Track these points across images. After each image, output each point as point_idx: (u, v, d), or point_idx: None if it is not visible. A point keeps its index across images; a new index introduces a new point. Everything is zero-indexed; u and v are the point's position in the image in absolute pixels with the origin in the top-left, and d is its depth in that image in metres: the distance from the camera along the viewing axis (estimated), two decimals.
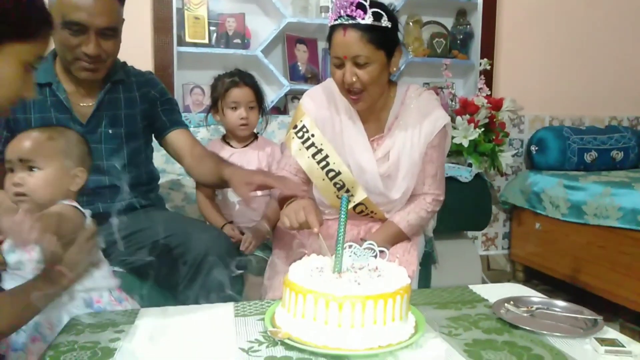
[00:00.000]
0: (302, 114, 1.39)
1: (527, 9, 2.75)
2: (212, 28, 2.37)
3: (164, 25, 2.25)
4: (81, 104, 1.34)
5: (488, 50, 2.66)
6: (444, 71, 2.43)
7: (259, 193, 1.53)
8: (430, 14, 2.70)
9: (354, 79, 1.23)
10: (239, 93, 1.55)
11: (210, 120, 1.71)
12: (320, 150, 1.35)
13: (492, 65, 2.58)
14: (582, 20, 2.84)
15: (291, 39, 2.50)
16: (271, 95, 2.38)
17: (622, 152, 2.66)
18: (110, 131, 1.37)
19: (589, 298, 2.31)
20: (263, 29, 2.47)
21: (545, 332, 0.87)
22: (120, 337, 0.85)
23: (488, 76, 2.55)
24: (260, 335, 0.87)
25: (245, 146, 1.65)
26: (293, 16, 2.40)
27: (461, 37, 2.69)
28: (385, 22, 1.21)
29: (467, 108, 2.29)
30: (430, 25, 2.72)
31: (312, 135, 1.36)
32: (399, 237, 1.36)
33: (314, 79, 2.52)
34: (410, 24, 2.66)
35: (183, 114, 2.09)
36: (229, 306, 1.00)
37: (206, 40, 2.34)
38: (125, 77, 1.40)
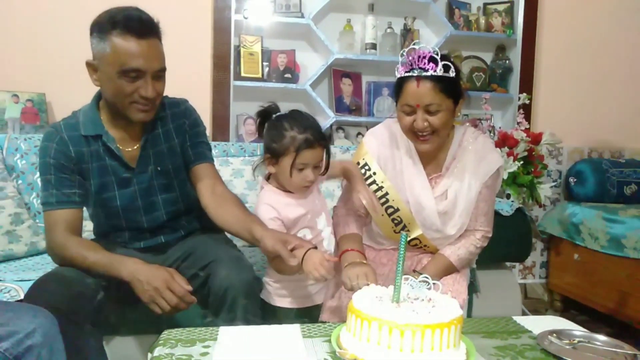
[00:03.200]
0: (364, 152, 1.49)
1: (565, 43, 2.83)
2: (265, 63, 2.56)
3: (222, 62, 2.45)
4: (128, 149, 1.40)
5: (527, 84, 2.75)
6: (484, 105, 2.53)
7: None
8: (470, 49, 2.82)
9: (426, 124, 1.34)
10: (312, 155, 1.30)
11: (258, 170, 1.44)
12: (380, 188, 1.45)
13: (530, 99, 2.66)
14: (619, 53, 2.90)
15: (337, 73, 2.66)
16: None
17: None
18: (158, 168, 1.42)
19: (629, 331, 2.32)
20: (311, 64, 2.65)
21: None
22: (209, 352, 0.99)
23: (527, 110, 2.64)
24: (328, 355, 0.99)
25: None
26: (340, 52, 2.57)
27: (500, 71, 2.79)
28: (452, 73, 1.33)
29: (506, 141, 2.37)
30: (470, 60, 2.84)
31: (374, 174, 1.45)
32: (449, 270, 1.45)
33: (358, 110, 2.67)
34: (451, 59, 2.77)
35: (237, 143, 2.29)
36: (296, 327, 1.12)
37: (260, 75, 2.53)
38: (161, 111, 1.43)
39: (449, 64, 1.32)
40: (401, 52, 1.37)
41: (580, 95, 2.88)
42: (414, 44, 1.36)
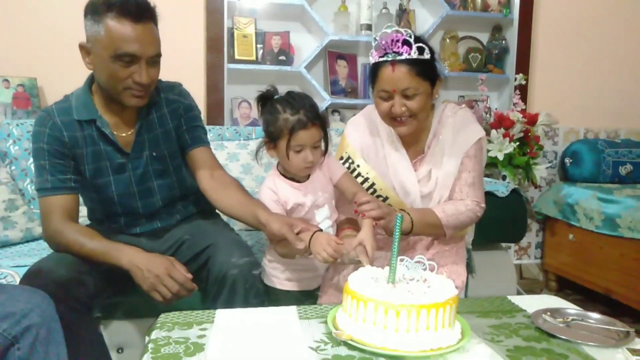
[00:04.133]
0: (346, 145, 1.48)
1: (561, 23, 2.81)
2: (259, 45, 2.53)
3: (215, 44, 2.42)
4: (123, 134, 1.38)
5: (523, 64, 2.73)
6: (480, 85, 2.52)
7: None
8: (466, 29, 2.80)
9: (403, 109, 1.33)
10: (307, 135, 1.28)
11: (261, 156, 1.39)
12: (366, 179, 1.44)
13: (527, 79, 2.65)
14: (616, 33, 2.88)
15: (332, 55, 2.63)
16: None
17: None
18: (154, 153, 1.41)
19: (622, 309, 2.36)
20: (306, 46, 2.62)
21: (580, 342, 0.97)
22: (205, 334, 1.00)
23: (523, 90, 2.63)
24: (324, 336, 1.00)
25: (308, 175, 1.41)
26: (335, 33, 2.54)
27: (496, 52, 2.77)
28: (427, 55, 1.31)
29: (502, 122, 2.37)
30: (466, 40, 2.81)
31: (358, 166, 1.45)
32: (433, 222, 1.37)
33: (354, 92, 2.65)
34: (447, 39, 2.75)
35: (232, 127, 2.28)
36: (293, 309, 1.13)
37: (254, 57, 2.50)
38: (156, 95, 1.41)
39: (424, 46, 1.30)
40: (374, 36, 1.35)
41: (576, 76, 2.87)
42: (386, 28, 1.32)
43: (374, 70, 1.35)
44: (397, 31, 1.31)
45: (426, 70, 1.32)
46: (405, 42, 1.29)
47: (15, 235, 1.75)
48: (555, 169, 2.89)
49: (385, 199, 1.44)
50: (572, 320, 1.07)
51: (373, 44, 1.35)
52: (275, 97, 1.34)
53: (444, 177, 1.42)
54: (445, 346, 0.92)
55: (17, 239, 1.76)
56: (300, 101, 1.31)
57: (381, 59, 1.32)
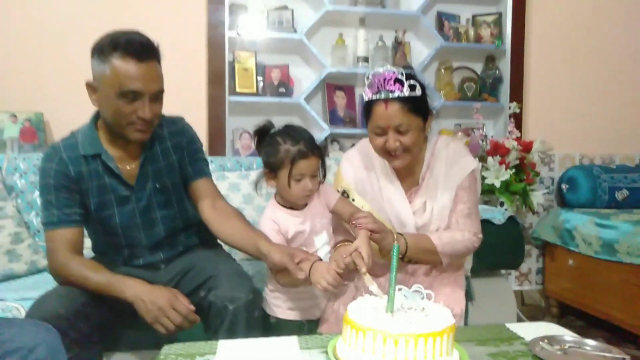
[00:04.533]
0: (342, 179, 1.52)
1: (553, 52, 2.89)
2: (259, 78, 2.60)
3: (217, 77, 2.49)
4: (127, 167, 1.42)
5: (517, 93, 2.80)
6: (475, 114, 2.58)
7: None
8: (460, 60, 2.88)
9: (397, 144, 1.37)
10: (307, 165, 1.33)
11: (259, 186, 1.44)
12: None
13: (521, 108, 2.71)
14: (608, 60, 2.95)
15: (330, 87, 2.71)
16: None
17: None
18: (157, 185, 1.45)
19: (624, 335, 2.35)
20: (305, 78, 2.69)
21: None
22: None
23: (518, 118, 2.69)
24: None
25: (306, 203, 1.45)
26: (332, 66, 2.62)
27: (490, 81, 2.84)
28: (418, 91, 1.35)
29: (498, 150, 2.42)
30: (461, 70, 2.89)
31: (353, 200, 1.48)
32: (428, 248, 1.40)
33: (352, 122, 2.71)
34: (442, 69, 2.83)
35: (234, 158, 2.33)
36: (294, 339, 1.15)
37: (254, 90, 2.57)
38: (159, 129, 1.45)
39: (415, 83, 1.34)
40: (366, 75, 1.39)
41: (569, 103, 2.93)
42: (379, 67, 1.37)
43: (368, 107, 1.39)
44: (390, 70, 1.35)
45: (418, 107, 1.36)
46: (398, 81, 1.33)
47: (20, 268, 1.78)
48: (553, 195, 2.93)
49: None
50: (569, 347, 1.08)
51: (366, 82, 1.40)
52: (273, 130, 1.40)
53: (439, 209, 1.45)
54: None
55: (22, 272, 1.78)
56: (299, 133, 1.37)
57: (374, 97, 1.37)
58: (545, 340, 1.10)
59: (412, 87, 1.34)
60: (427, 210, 1.46)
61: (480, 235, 1.47)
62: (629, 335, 2.31)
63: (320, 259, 1.32)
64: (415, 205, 1.47)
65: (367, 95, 1.38)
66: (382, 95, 1.35)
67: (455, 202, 1.45)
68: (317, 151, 1.37)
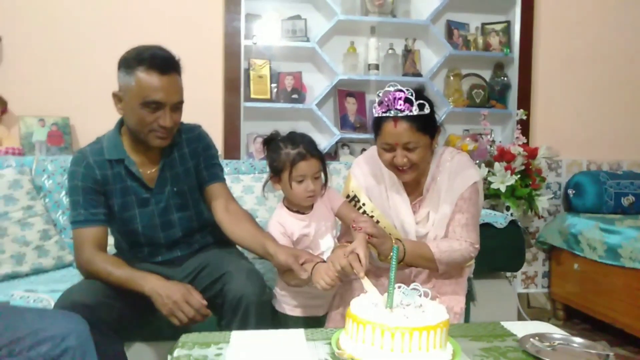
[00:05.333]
0: (352, 184, 1.59)
1: (560, 60, 2.94)
2: (273, 85, 2.70)
3: (233, 84, 2.60)
4: (148, 172, 1.53)
5: (524, 100, 2.86)
6: (483, 121, 2.65)
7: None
8: (469, 67, 2.94)
9: (405, 160, 1.43)
10: (306, 166, 1.42)
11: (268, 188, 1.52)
12: (371, 217, 1.54)
13: (528, 114, 2.77)
14: (613, 67, 2.99)
15: (342, 93, 2.79)
16: (323, 143, 2.67)
17: None
18: (175, 189, 1.55)
19: (628, 338, 2.39)
20: (317, 85, 2.78)
21: None
22: (222, 353, 1.11)
23: (524, 125, 2.74)
24: (328, 355, 1.10)
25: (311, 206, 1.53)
26: (344, 73, 2.71)
27: (499, 88, 2.90)
28: (427, 109, 1.40)
29: (504, 156, 2.48)
30: (470, 77, 2.95)
31: (363, 204, 1.56)
32: (425, 255, 1.45)
33: (362, 127, 2.79)
34: (451, 76, 2.89)
35: (248, 161, 2.43)
36: (301, 332, 1.24)
37: (268, 96, 2.67)
38: (177, 136, 1.55)
39: (424, 102, 1.39)
40: (377, 92, 1.46)
41: (577, 110, 2.97)
42: (389, 86, 1.43)
43: (377, 123, 1.45)
44: (399, 90, 1.41)
45: (426, 125, 1.42)
46: (407, 100, 1.38)
47: (48, 263, 1.90)
48: (560, 200, 2.97)
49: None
50: (558, 344, 1.15)
51: (376, 99, 1.46)
52: (278, 138, 1.49)
53: (439, 219, 1.51)
54: None
55: (50, 266, 1.91)
56: (299, 138, 1.46)
57: (384, 114, 1.42)
58: (536, 338, 1.17)
59: (420, 106, 1.39)
60: (430, 220, 1.53)
61: (477, 246, 1.52)
62: (634, 339, 2.35)
63: (324, 261, 1.40)
64: (420, 216, 1.54)
65: (377, 112, 1.44)
66: (392, 114, 1.40)
67: (454, 211, 1.49)
68: (317, 153, 1.45)
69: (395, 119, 1.40)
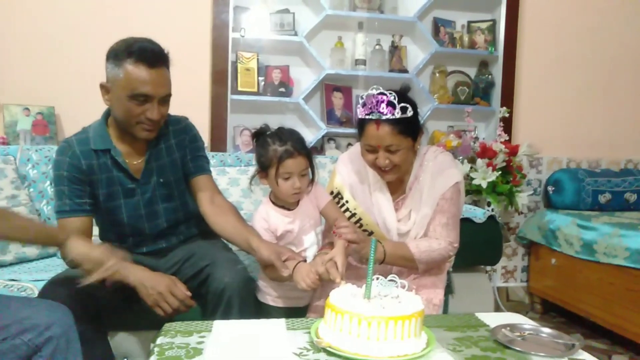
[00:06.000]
0: (336, 181, 1.61)
1: (545, 59, 3.00)
2: (260, 78, 2.72)
3: (220, 77, 2.61)
4: (134, 162, 1.53)
5: (508, 98, 2.91)
6: (467, 117, 2.69)
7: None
8: (454, 64, 2.98)
9: (387, 162, 1.46)
10: (293, 164, 1.42)
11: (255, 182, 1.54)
12: (354, 214, 1.57)
13: (511, 112, 2.82)
14: (597, 67, 3.05)
15: (329, 87, 2.82)
16: (309, 137, 2.70)
17: (635, 195, 2.83)
18: (161, 180, 1.56)
19: (602, 331, 2.47)
20: (304, 79, 2.81)
21: (531, 352, 1.11)
22: (204, 341, 1.14)
23: (507, 122, 2.80)
24: (307, 344, 1.14)
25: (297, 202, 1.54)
26: (331, 68, 2.73)
27: (483, 85, 2.95)
28: (410, 113, 1.42)
29: (486, 153, 2.53)
30: (455, 75, 3.00)
31: (347, 201, 1.58)
32: (405, 255, 1.49)
33: (348, 122, 2.82)
34: (437, 73, 2.94)
35: (234, 154, 2.45)
36: (282, 321, 1.27)
37: (255, 89, 2.68)
38: (164, 128, 1.55)
39: (407, 105, 1.42)
40: (361, 95, 1.47)
41: (559, 108, 3.03)
42: (372, 89, 1.44)
43: (361, 124, 1.48)
44: (382, 93, 1.42)
45: (408, 128, 1.45)
46: (389, 103, 1.40)
47: (32, 252, 1.91)
48: (540, 196, 3.04)
49: (371, 233, 1.57)
50: (528, 334, 1.20)
51: (360, 101, 1.48)
52: (267, 133, 1.50)
53: (421, 218, 1.55)
54: (411, 353, 1.06)
55: (34, 256, 1.91)
56: (288, 134, 1.46)
57: (367, 117, 1.44)
58: (507, 328, 1.22)
59: (403, 110, 1.42)
60: (412, 218, 1.56)
61: (457, 245, 1.56)
62: (607, 332, 2.43)
63: (305, 260, 1.44)
64: (401, 214, 1.57)
65: (361, 113, 1.47)
66: (374, 116, 1.43)
67: (435, 211, 1.52)
68: (304, 151, 1.45)
69: (378, 121, 1.42)
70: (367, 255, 1.42)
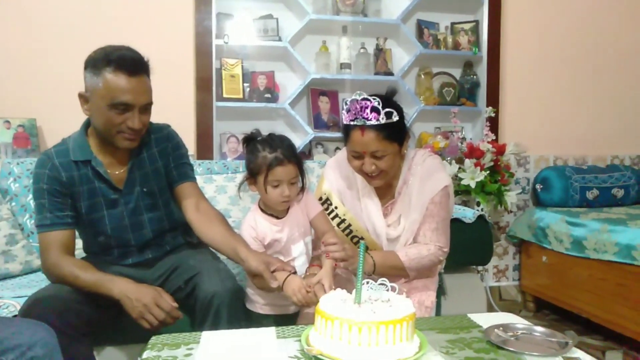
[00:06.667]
0: (324, 187, 1.60)
1: (528, 58, 3.01)
2: (245, 84, 2.70)
3: (204, 84, 2.59)
4: (116, 172, 1.51)
5: (493, 97, 2.92)
6: (453, 118, 2.70)
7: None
8: (440, 65, 2.99)
9: (373, 167, 1.44)
10: (283, 172, 1.39)
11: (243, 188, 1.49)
12: (343, 220, 1.56)
13: (497, 111, 2.83)
14: (582, 65, 3.08)
15: (315, 92, 2.81)
16: (297, 142, 2.67)
17: (622, 190, 2.85)
18: (144, 189, 1.53)
19: (595, 327, 2.47)
20: (290, 84, 2.79)
21: (524, 352, 1.09)
22: (192, 353, 1.11)
23: (494, 122, 2.81)
24: (298, 352, 1.11)
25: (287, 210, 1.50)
26: (316, 72, 2.72)
27: (468, 86, 2.96)
28: (395, 117, 1.40)
29: (473, 153, 2.53)
30: (440, 76, 3.00)
31: (336, 207, 1.57)
32: (395, 265, 1.48)
33: (335, 126, 2.81)
34: (422, 75, 2.94)
35: (221, 161, 2.42)
36: (272, 330, 1.25)
37: (241, 95, 2.66)
38: (146, 136, 1.53)
39: (392, 110, 1.40)
40: (344, 100, 1.46)
41: (544, 107, 3.05)
42: (356, 94, 1.42)
43: (346, 130, 1.46)
44: (366, 99, 1.40)
45: (394, 133, 1.42)
46: (374, 109, 1.38)
47: (15, 268, 1.86)
48: (528, 195, 3.05)
49: (361, 238, 1.55)
50: (521, 333, 1.19)
51: (344, 107, 1.46)
52: (258, 138, 1.48)
53: (410, 223, 1.53)
54: (404, 358, 1.04)
55: (17, 271, 1.86)
56: (278, 141, 1.43)
57: (352, 123, 1.42)
58: (500, 328, 1.20)
59: (388, 115, 1.39)
60: (401, 224, 1.55)
61: (446, 249, 1.54)
62: (600, 328, 2.43)
63: (295, 272, 1.41)
64: (391, 219, 1.56)
65: (345, 119, 1.45)
66: (359, 122, 1.40)
67: (425, 215, 1.51)
68: (295, 159, 1.42)
69: (363, 127, 1.41)
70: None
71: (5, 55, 2.41)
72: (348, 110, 1.44)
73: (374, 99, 1.41)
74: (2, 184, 2.04)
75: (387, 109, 1.40)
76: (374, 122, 1.39)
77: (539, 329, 1.21)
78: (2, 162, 2.08)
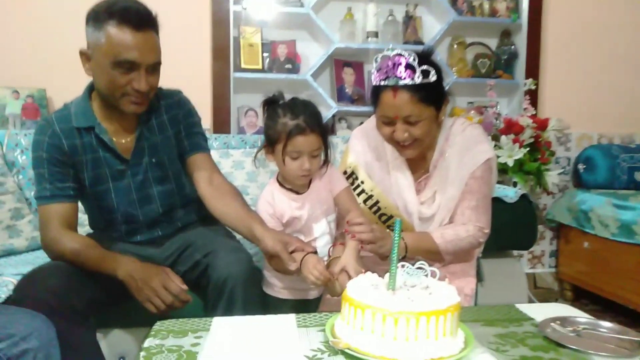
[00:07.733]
0: (350, 159, 1.43)
1: (571, 26, 2.77)
2: (265, 54, 2.54)
3: (221, 53, 2.43)
4: (122, 141, 1.38)
5: (533, 69, 2.70)
6: (489, 91, 2.49)
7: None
8: (474, 35, 2.78)
9: (406, 135, 1.27)
10: (304, 142, 1.24)
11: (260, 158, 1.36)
12: (370, 197, 1.39)
13: (537, 84, 2.61)
14: (629, 34, 2.82)
15: (339, 63, 2.63)
16: None
17: None
18: (153, 159, 1.40)
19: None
20: (312, 54, 2.62)
21: (591, 352, 0.92)
22: (200, 342, 0.97)
23: (533, 96, 2.59)
24: (321, 344, 0.97)
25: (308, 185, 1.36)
26: (340, 41, 2.54)
27: (505, 57, 2.74)
28: (432, 77, 1.23)
29: (511, 128, 2.33)
30: (475, 46, 2.79)
31: (362, 182, 1.40)
32: (429, 246, 1.32)
33: (361, 100, 2.63)
34: (455, 45, 2.73)
35: (238, 136, 2.27)
36: (291, 317, 1.10)
37: (260, 66, 2.50)
38: (155, 102, 1.41)
39: (429, 68, 1.22)
40: (375, 57, 1.27)
41: (588, 80, 2.81)
42: (388, 50, 1.24)
43: (375, 92, 1.29)
44: (399, 54, 1.23)
45: (431, 95, 1.25)
46: (409, 66, 1.21)
47: (20, 244, 1.76)
48: (569, 175, 2.83)
49: (390, 217, 1.39)
50: (583, 329, 1.02)
51: (374, 64, 1.28)
52: (279, 102, 1.32)
53: (447, 200, 1.36)
54: (447, 356, 0.88)
55: (23, 248, 1.76)
56: (301, 107, 1.27)
57: (382, 83, 1.25)
58: (557, 322, 1.04)
59: (424, 74, 1.22)
60: (437, 201, 1.37)
61: (487, 230, 1.37)
62: None
63: (316, 251, 1.26)
64: (424, 196, 1.39)
65: (375, 79, 1.28)
66: (391, 82, 1.23)
67: (464, 191, 1.34)
68: (319, 128, 1.26)
69: (395, 88, 1.23)
70: (388, 253, 1.24)
71: (14, 24, 2.29)
72: (378, 69, 1.27)
73: (409, 54, 1.23)
74: (9, 156, 1.93)
75: (424, 67, 1.22)
76: (408, 81, 1.22)
77: (605, 324, 1.04)
78: (9, 134, 1.98)
